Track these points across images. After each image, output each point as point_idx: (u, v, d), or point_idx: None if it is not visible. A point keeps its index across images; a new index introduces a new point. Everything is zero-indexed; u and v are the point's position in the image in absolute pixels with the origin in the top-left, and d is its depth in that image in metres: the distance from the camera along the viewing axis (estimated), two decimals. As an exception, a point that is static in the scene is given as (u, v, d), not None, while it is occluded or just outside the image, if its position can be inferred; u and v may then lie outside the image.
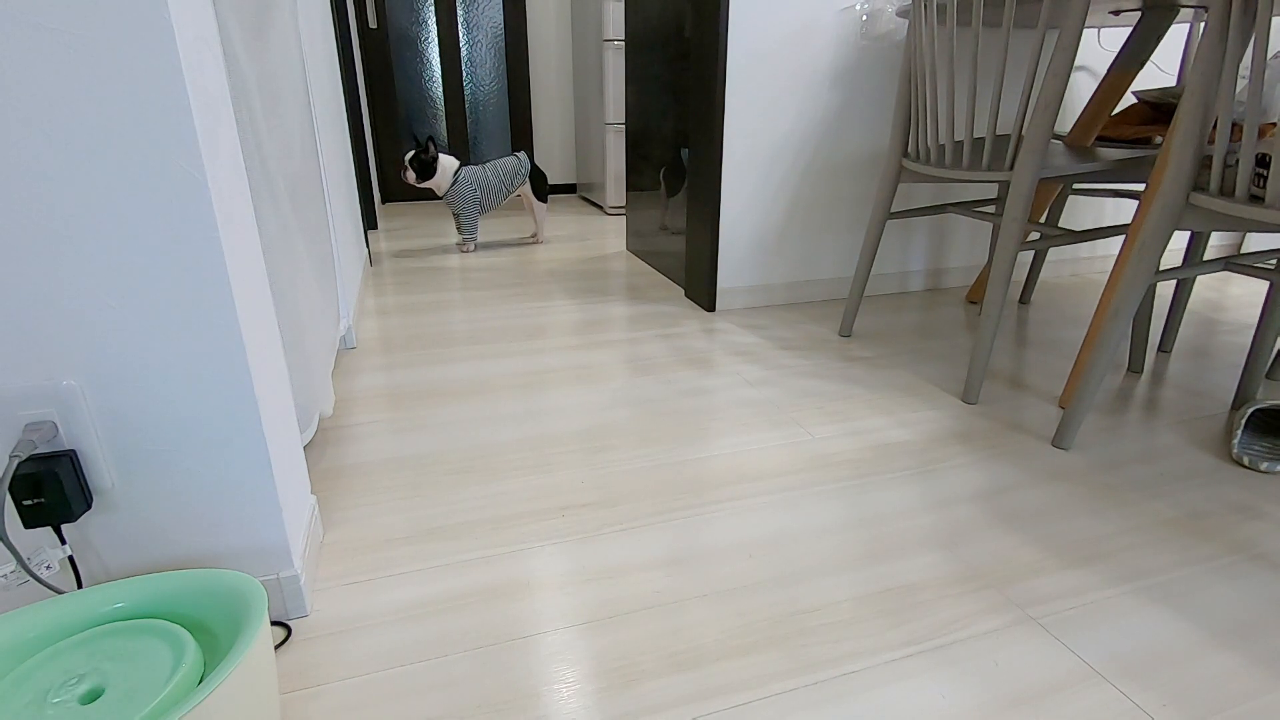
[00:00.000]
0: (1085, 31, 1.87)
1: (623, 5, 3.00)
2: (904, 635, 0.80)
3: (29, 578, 0.66)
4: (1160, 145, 1.54)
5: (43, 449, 0.65)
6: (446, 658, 0.76)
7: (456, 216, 2.67)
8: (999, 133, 1.34)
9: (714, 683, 0.73)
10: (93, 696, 0.55)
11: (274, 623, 0.80)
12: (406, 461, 1.16)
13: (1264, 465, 1.15)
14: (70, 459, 0.66)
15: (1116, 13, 1.55)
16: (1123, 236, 1.39)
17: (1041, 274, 2.13)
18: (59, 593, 0.67)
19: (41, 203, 0.59)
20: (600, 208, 3.63)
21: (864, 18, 1.81)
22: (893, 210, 1.69)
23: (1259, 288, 2.20)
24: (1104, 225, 2.32)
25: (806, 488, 1.09)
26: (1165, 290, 2.00)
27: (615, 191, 3.35)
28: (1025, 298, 2.07)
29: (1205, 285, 2.24)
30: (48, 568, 0.67)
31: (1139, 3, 1.45)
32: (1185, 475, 1.15)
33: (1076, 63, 1.27)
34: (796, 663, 0.76)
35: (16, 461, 0.62)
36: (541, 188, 2.80)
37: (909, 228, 2.11)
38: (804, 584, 0.88)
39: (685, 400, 1.39)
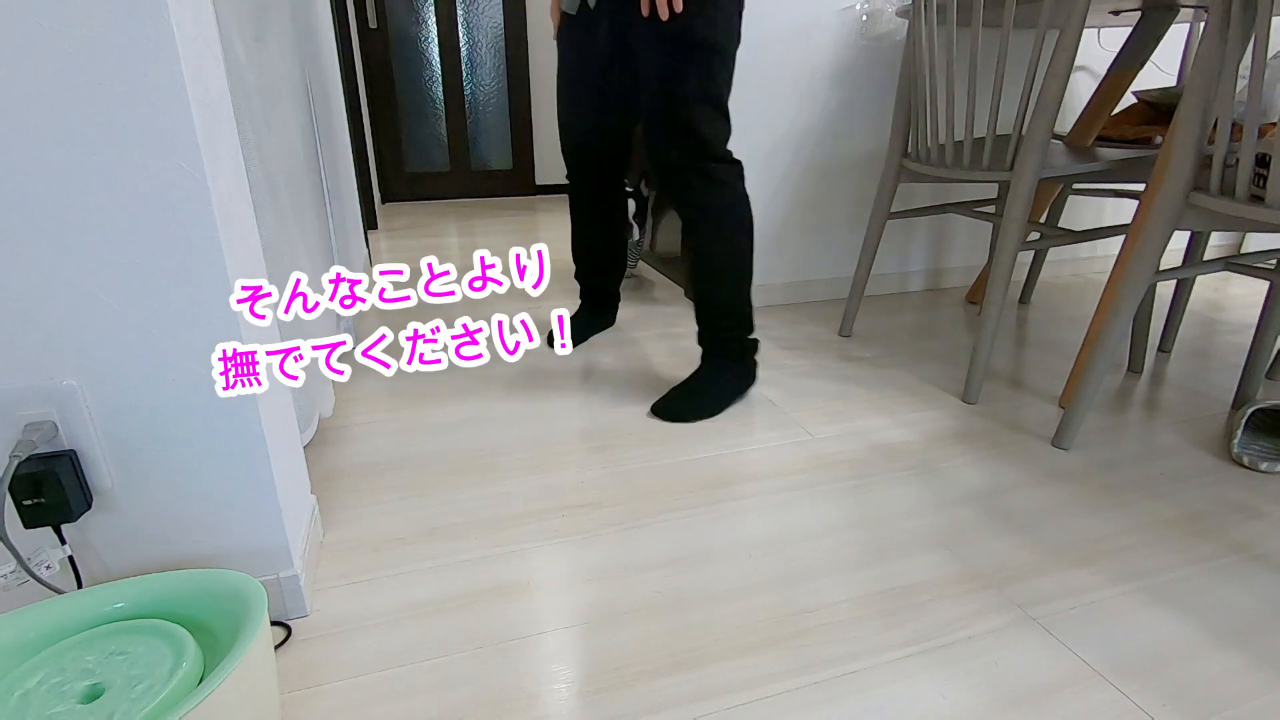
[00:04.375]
0: (1085, 31, 1.87)
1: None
2: (904, 635, 0.80)
3: (29, 578, 0.66)
4: (1160, 145, 1.54)
5: (43, 449, 0.65)
6: (446, 658, 0.76)
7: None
8: (999, 133, 1.34)
9: (714, 683, 0.73)
10: (93, 696, 0.55)
11: (274, 623, 0.80)
12: (406, 461, 1.16)
13: (1264, 465, 1.15)
14: (70, 459, 0.66)
15: (1116, 13, 1.55)
16: (1123, 236, 1.39)
17: (1041, 274, 2.13)
18: (59, 593, 0.67)
19: (41, 202, 0.59)
20: (600, 208, 3.63)
21: (864, 18, 1.81)
22: (893, 210, 1.69)
23: (1259, 288, 2.20)
24: (1104, 225, 2.32)
25: (806, 488, 1.09)
26: (1165, 290, 2.00)
27: (615, 191, 3.35)
28: (1025, 298, 2.07)
29: (1205, 285, 2.24)
30: (48, 568, 0.67)
31: (1139, 3, 1.45)
32: (1185, 475, 1.15)
33: (1076, 63, 1.27)
34: (796, 663, 0.76)
35: (16, 461, 0.62)
36: None
37: (909, 228, 2.11)
38: (804, 584, 0.88)
39: (685, 400, 1.39)
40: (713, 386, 1.33)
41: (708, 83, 1.20)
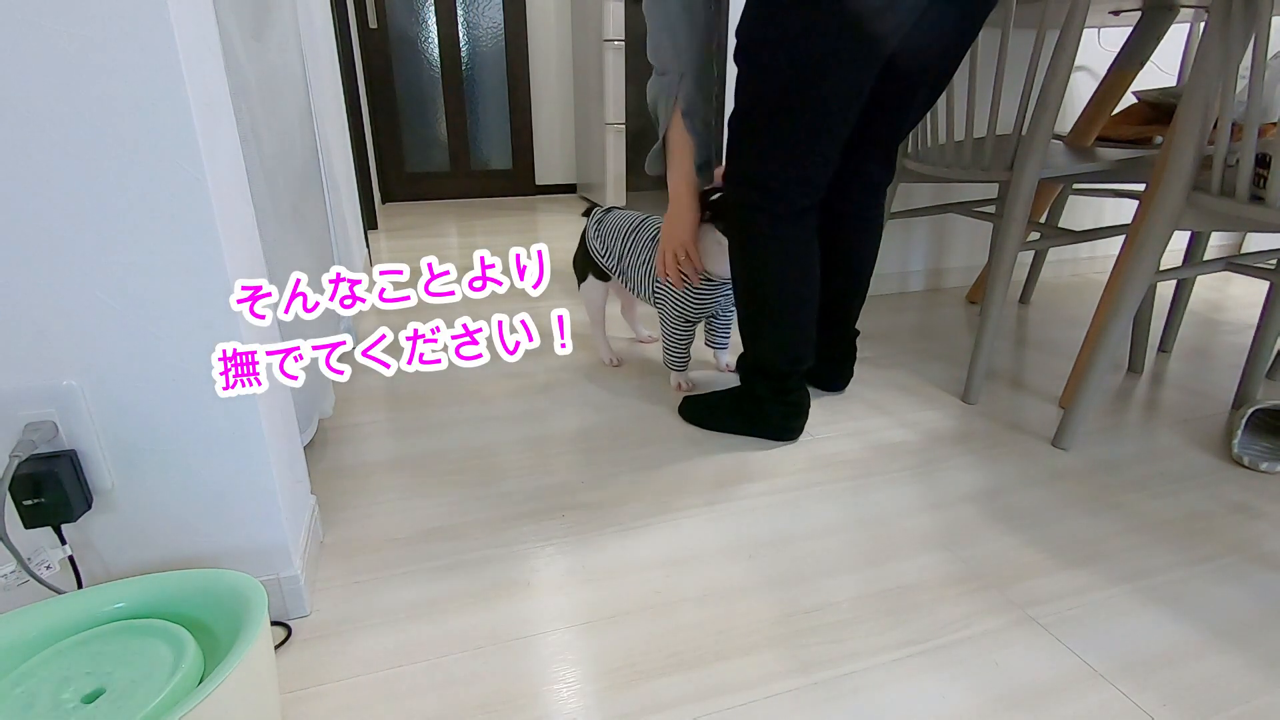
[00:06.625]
0: (1085, 31, 1.87)
1: (622, 5, 3.00)
2: (904, 635, 0.80)
3: (29, 578, 0.66)
4: (1160, 145, 1.54)
5: (43, 449, 0.65)
6: (446, 658, 0.76)
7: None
8: (999, 133, 1.34)
9: (714, 683, 0.73)
10: (93, 696, 0.55)
11: (274, 623, 0.80)
12: (406, 461, 1.16)
13: (1264, 465, 1.15)
14: (70, 459, 0.66)
15: (1116, 13, 1.55)
16: (1123, 236, 1.39)
17: (1041, 274, 2.13)
18: (59, 593, 0.67)
19: (41, 203, 0.59)
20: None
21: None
22: (893, 210, 1.69)
23: (1259, 288, 2.20)
24: (1104, 225, 2.32)
25: (807, 488, 1.09)
26: (1165, 290, 2.00)
27: (615, 191, 3.35)
28: (1025, 298, 2.07)
29: (1205, 285, 2.24)
30: (48, 568, 0.67)
31: (1139, 3, 1.45)
32: (1185, 475, 1.15)
33: (1076, 63, 1.27)
34: (796, 663, 0.76)
35: (16, 461, 0.62)
36: None
37: (909, 228, 2.11)
38: (804, 584, 0.88)
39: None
40: (717, 408, 1.30)
41: (737, 90, 1.15)
